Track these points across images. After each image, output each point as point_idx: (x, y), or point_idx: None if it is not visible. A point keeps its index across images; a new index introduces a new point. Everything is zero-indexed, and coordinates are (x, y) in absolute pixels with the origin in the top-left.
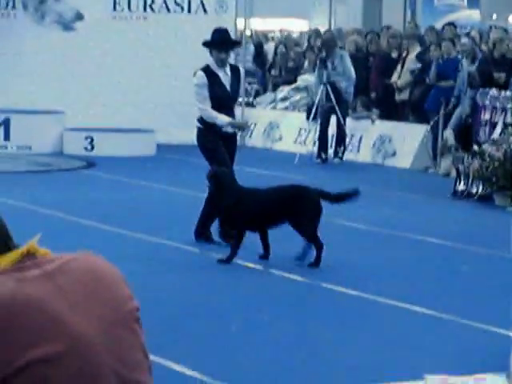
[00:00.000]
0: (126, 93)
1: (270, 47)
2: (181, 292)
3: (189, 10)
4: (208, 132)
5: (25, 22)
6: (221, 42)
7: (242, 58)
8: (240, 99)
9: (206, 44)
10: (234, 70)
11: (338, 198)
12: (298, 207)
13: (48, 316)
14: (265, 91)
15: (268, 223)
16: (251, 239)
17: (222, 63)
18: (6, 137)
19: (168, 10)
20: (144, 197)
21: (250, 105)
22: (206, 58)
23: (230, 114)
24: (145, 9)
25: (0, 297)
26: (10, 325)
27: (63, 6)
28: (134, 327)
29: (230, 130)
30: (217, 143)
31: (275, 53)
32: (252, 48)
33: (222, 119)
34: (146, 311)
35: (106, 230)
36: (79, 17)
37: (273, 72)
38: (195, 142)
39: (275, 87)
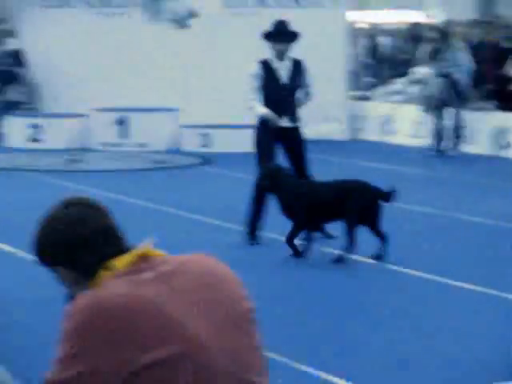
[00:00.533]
0: (241, 89)
1: (383, 40)
2: (297, 289)
3: (301, 5)
4: (260, 128)
5: (140, 20)
6: (277, 33)
7: (356, 51)
8: (355, 93)
9: (264, 36)
10: (295, 63)
11: (388, 197)
12: (355, 201)
13: (163, 318)
14: (379, 84)
15: (326, 217)
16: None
17: (279, 55)
18: (123, 135)
19: (281, 4)
20: None
21: (364, 98)
22: (316, 52)
23: (286, 107)
24: (258, 4)
25: (116, 300)
26: (126, 327)
27: (177, 4)
28: (249, 328)
29: (284, 124)
30: (266, 140)
31: (389, 45)
32: (365, 41)
33: (256, 108)
34: (263, 309)
35: (222, 226)
36: (193, 14)
37: (387, 65)
38: (311, 137)
39: (390, 80)
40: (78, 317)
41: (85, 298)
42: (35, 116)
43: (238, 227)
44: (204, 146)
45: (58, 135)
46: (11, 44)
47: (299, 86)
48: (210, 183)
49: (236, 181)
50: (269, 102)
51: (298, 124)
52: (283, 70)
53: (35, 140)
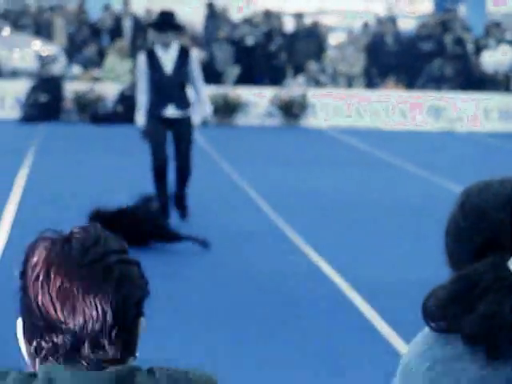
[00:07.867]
0: None
1: None
2: None
3: None
4: (149, 119)
5: None
6: (160, 23)
7: None
8: None
9: (149, 25)
10: (182, 51)
11: None
12: None
13: None
14: None
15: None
16: None
17: (162, 45)
18: None
19: None
20: None
21: None
22: None
23: (171, 96)
24: None
25: None
26: None
27: None
28: None
29: (169, 113)
30: (154, 127)
31: None
32: None
33: (138, 117)
34: None
35: None
36: None
37: None
38: None
39: None
40: None
41: None
42: None
43: None
44: None
45: None
46: None
47: (186, 75)
48: None
49: None
50: (154, 91)
51: (186, 113)
52: (166, 59)
53: None
